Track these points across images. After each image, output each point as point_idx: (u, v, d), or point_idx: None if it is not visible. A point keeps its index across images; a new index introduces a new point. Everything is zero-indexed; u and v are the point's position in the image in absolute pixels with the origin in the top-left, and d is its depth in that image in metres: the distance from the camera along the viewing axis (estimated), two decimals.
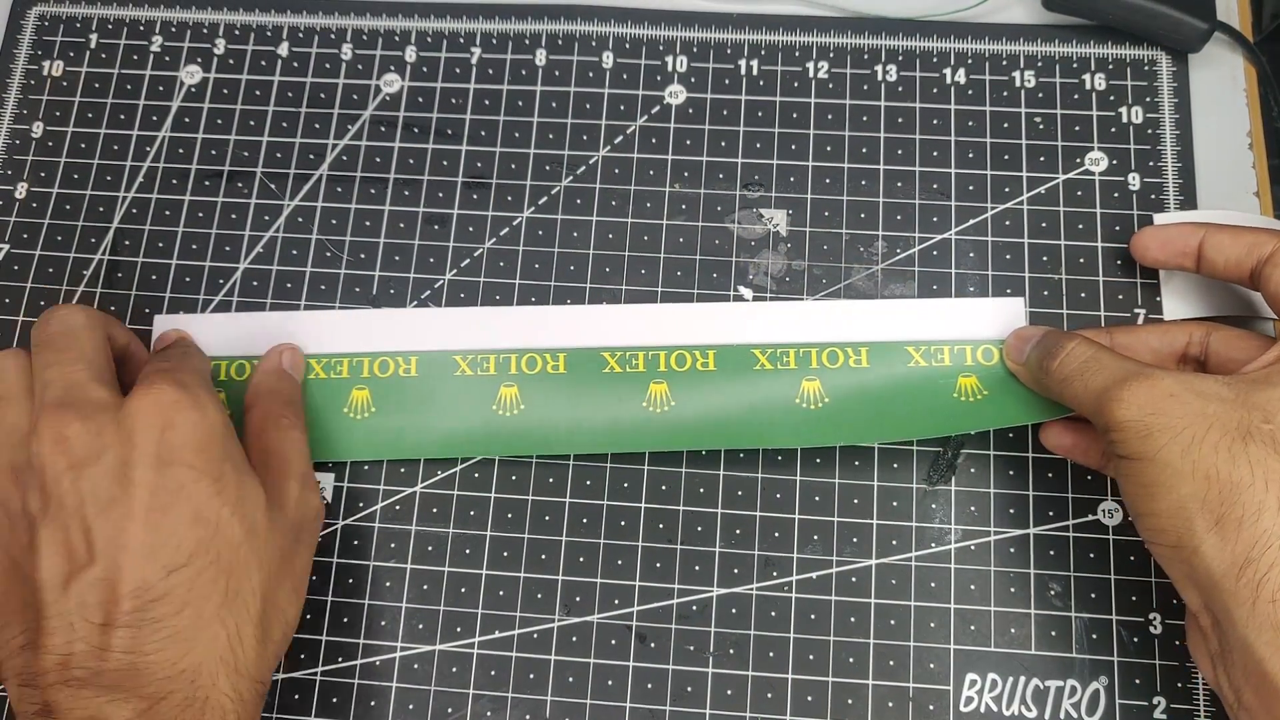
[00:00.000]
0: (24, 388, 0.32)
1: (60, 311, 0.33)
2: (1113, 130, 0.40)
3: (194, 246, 0.41)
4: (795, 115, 0.41)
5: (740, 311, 0.38)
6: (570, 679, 0.36)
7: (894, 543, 0.37)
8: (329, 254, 0.40)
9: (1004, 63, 0.41)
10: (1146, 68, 0.41)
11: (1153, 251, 0.36)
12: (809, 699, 0.35)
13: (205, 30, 0.44)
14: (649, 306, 0.39)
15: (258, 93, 0.43)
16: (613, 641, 0.36)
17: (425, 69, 0.43)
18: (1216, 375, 0.31)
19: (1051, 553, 0.36)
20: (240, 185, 0.42)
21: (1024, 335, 0.36)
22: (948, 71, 0.41)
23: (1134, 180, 0.40)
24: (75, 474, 0.29)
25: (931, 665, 0.35)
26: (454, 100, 0.42)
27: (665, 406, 0.37)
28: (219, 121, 0.42)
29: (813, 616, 0.36)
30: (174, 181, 0.42)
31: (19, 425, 0.31)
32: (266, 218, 0.41)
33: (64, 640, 0.28)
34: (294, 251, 0.40)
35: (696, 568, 0.37)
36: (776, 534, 0.37)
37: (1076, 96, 0.41)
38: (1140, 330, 0.36)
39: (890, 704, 0.35)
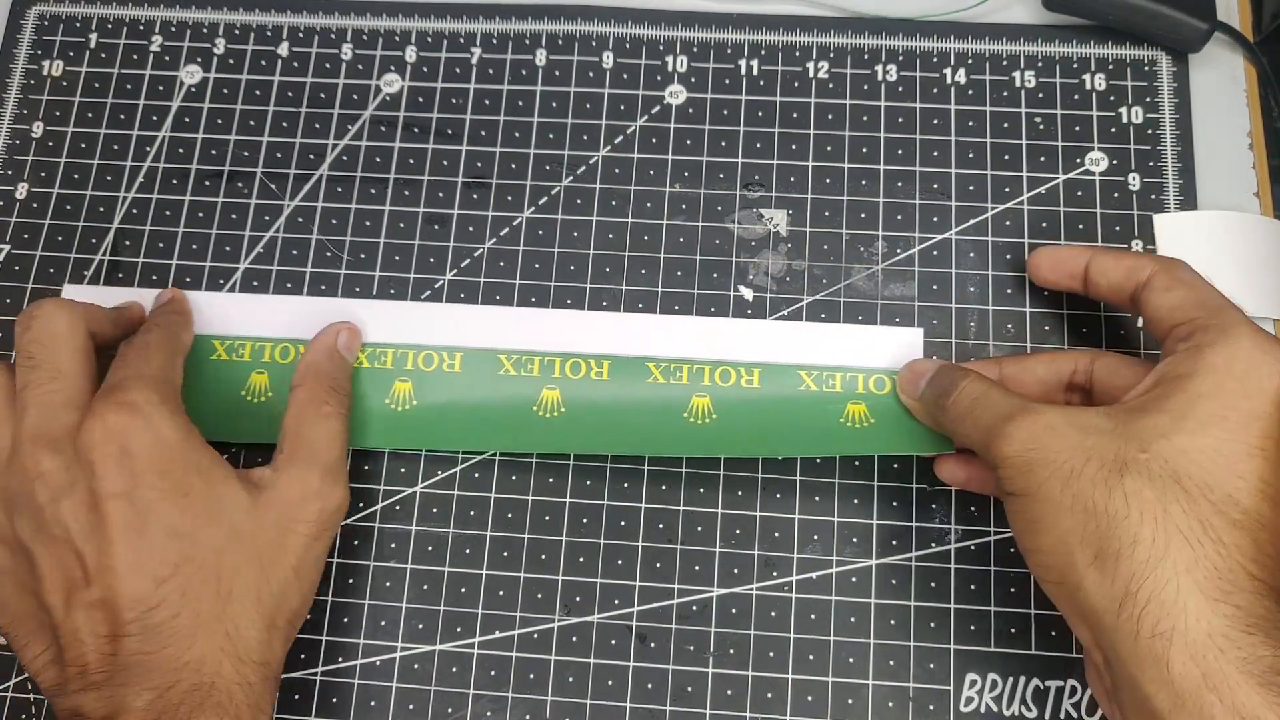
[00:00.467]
0: (8, 408, 0.33)
1: (41, 314, 0.33)
2: (1113, 130, 0.40)
3: (194, 246, 0.41)
4: (795, 115, 0.41)
5: (639, 325, 0.39)
6: (570, 679, 0.36)
7: (894, 543, 0.37)
8: (329, 254, 0.40)
9: (1004, 63, 0.41)
10: (1146, 68, 0.41)
11: (1044, 272, 0.37)
12: (809, 699, 0.35)
13: (205, 30, 0.44)
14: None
15: (258, 93, 0.43)
16: (613, 641, 0.36)
17: (425, 69, 0.43)
18: (1100, 407, 0.31)
19: None
20: (240, 185, 0.42)
21: (918, 370, 0.36)
22: (948, 71, 0.41)
23: (1134, 180, 0.40)
24: (55, 505, 0.30)
25: (931, 665, 0.35)
26: (454, 100, 0.42)
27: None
28: (219, 121, 0.42)
29: (813, 616, 0.36)
30: (174, 181, 0.42)
31: (3, 448, 0.32)
32: (266, 218, 0.41)
33: (79, 653, 0.30)
34: (294, 251, 0.40)
35: (696, 568, 0.37)
36: (776, 534, 0.37)
37: (1076, 96, 0.41)
38: (1028, 360, 0.36)
39: (890, 704, 0.35)
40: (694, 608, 0.36)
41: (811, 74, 0.42)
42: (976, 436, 0.32)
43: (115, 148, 0.42)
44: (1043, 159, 0.40)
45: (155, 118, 0.43)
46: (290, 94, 0.43)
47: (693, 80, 0.42)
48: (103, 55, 0.44)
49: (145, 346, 0.35)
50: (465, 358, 0.38)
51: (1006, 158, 0.40)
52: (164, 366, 0.34)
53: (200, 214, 0.41)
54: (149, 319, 0.38)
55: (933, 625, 0.36)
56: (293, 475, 0.33)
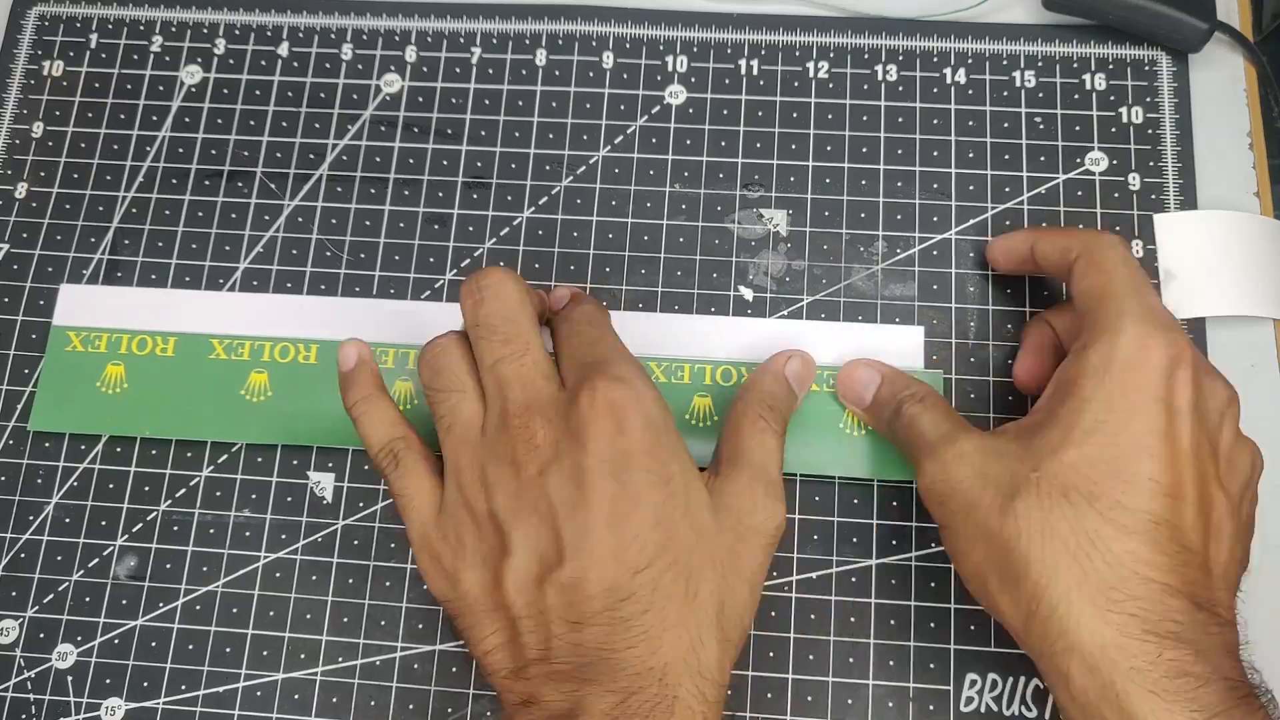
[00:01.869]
0: (475, 379, 0.32)
1: (493, 284, 0.32)
2: (1113, 130, 0.40)
3: (194, 246, 0.41)
4: (795, 115, 0.41)
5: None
6: None
7: (894, 543, 0.37)
8: (329, 254, 0.40)
9: (1004, 63, 0.41)
10: (1146, 68, 0.41)
11: (1000, 262, 0.38)
12: (809, 699, 0.35)
13: (205, 30, 0.44)
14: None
15: (258, 93, 0.43)
16: None
17: (425, 69, 0.43)
18: (1013, 425, 0.31)
19: None
20: (240, 185, 0.42)
21: (857, 378, 0.36)
22: (948, 71, 0.41)
23: (1134, 180, 0.40)
24: (542, 478, 0.29)
25: (931, 665, 0.35)
26: (454, 100, 0.42)
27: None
28: (219, 121, 0.42)
29: (813, 616, 0.36)
30: (174, 181, 0.42)
31: (474, 421, 0.31)
32: (266, 218, 0.41)
33: (543, 637, 0.28)
34: (294, 251, 0.40)
35: None
36: None
37: (1076, 96, 0.41)
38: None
39: (890, 704, 0.35)
40: None
41: (811, 74, 0.42)
42: (911, 464, 0.33)
43: (115, 148, 0.42)
44: (1043, 159, 0.40)
45: (155, 118, 0.43)
46: (290, 94, 0.43)
47: (693, 80, 0.42)
48: (103, 55, 0.44)
49: (593, 322, 0.33)
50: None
51: (1006, 157, 0.40)
52: (621, 344, 0.33)
53: (200, 214, 0.41)
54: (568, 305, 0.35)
55: (933, 625, 0.36)
56: (741, 484, 0.31)
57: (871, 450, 0.37)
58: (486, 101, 0.42)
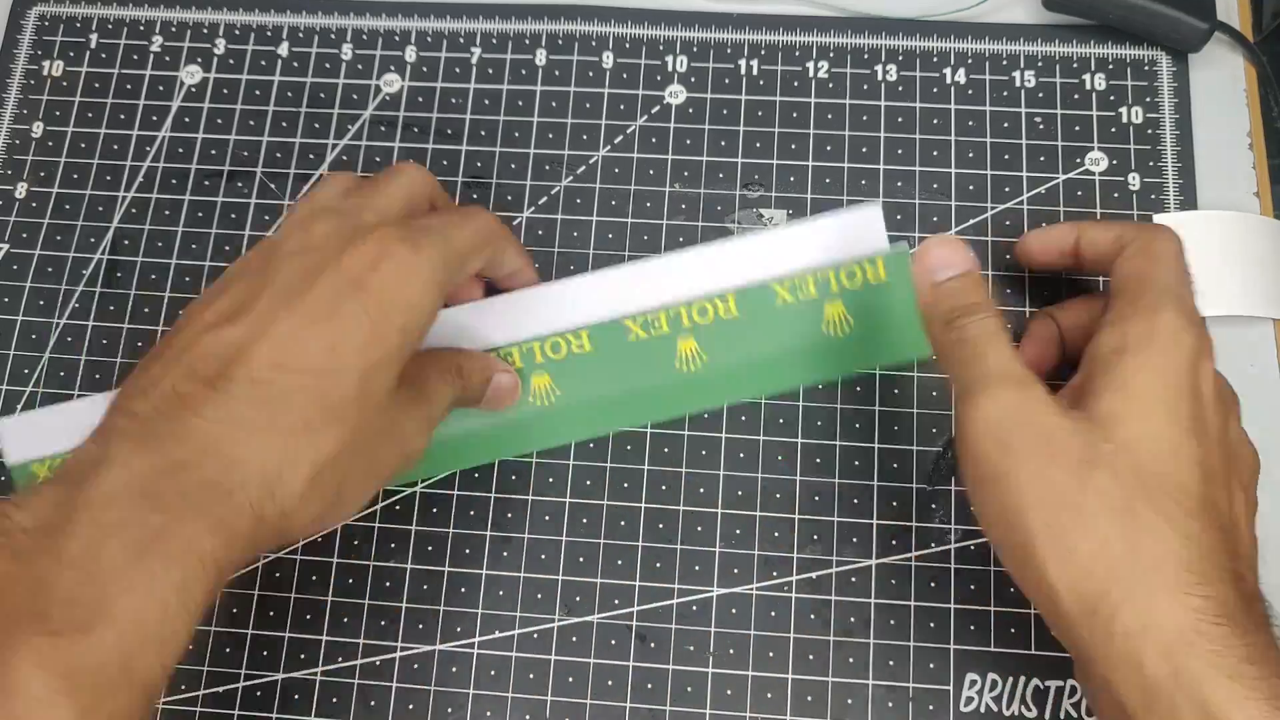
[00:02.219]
0: (338, 207, 0.32)
1: (404, 172, 0.33)
2: (1113, 130, 0.40)
3: (194, 246, 0.41)
4: (795, 115, 0.41)
5: (610, 279, 0.37)
6: (570, 679, 0.36)
7: (894, 543, 0.37)
8: None
9: (1004, 63, 0.41)
10: (1146, 68, 0.41)
11: (1036, 255, 0.37)
12: (809, 699, 0.35)
13: (205, 30, 0.44)
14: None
15: (258, 93, 0.43)
16: (613, 641, 0.36)
17: (425, 69, 0.43)
18: (1069, 389, 0.31)
19: None
20: (240, 185, 0.42)
21: (940, 258, 0.32)
22: (948, 71, 0.41)
23: (1134, 180, 0.40)
24: (287, 259, 0.30)
25: (931, 665, 0.35)
26: (454, 100, 0.42)
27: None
28: (219, 121, 0.42)
29: (813, 616, 0.36)
30: (174, 181, 0.42)
31: (321, 202, 0.32)
32: (266, 218, 0.41)
33: (181, 376, 0.28)
34: None
35: (696, 568, 0.37)
36: (776, 534, 0.37)
37: (1076, 96, 0.41)
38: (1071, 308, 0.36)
39: (890, 704, 0.35)
40: (694, 608, 0.36)
41: (811, 74, 0.42)
42: (955, 383, 0.30)
43: (115, 148, 0.42)
44: (1043, 159, 0.40)
45: (155, 118, 0.43)
46: (290, 94, 0.43)
47: (693, 80, 0.42)
48: (103, 55, 0.44)
49: (465, 221, 0.33)
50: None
51: (1006, 157, 0.40)
52: (477, 242, 0.33)
53: (200, 214, 0.41)
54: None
55: (932, 625, 0.36)
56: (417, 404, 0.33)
57: (858, 345, 0.36)
58: (486, 101, 0.42)
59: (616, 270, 0.37)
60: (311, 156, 0.42)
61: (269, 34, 0.43)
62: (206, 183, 0.42)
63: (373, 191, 0.32)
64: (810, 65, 0.42)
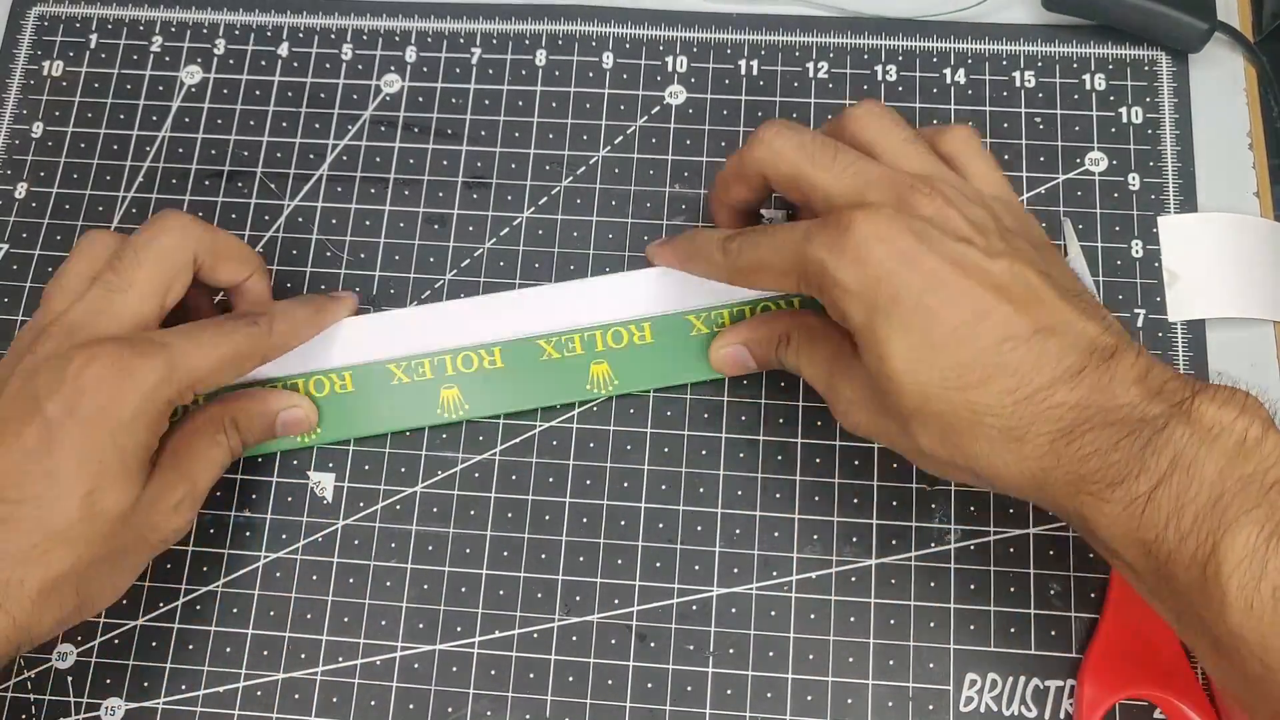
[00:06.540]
0: (91, 278, 0.33)
1: (162, 224, 0.34)
2: (1113, 130, 0.40)
3: None
4: (795, 115, 0.41)
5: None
6: (570, 679, 0.36)
7: (894, 543, 0.37)
8: (329, 254, 0.40)
9: (1004, 63, 0.41)
10: (1146, 68, 0.41)
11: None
12: (809, 699, 0.35)
13: (205, 30, 0.44)
14: (561, 286, 0.38)
15: (258, 93, 0.43)
16: (613, 641, 0.36)
17: (425, 69, 0.43)
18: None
19: (1051, 553, 0.36)
20: (240, 185, 0.42)
21: (730, 360, 0.36)
22: (948, 71, 0.41)
23: (1134, 180, 0.40)
24: (9, 386, 0.31)
25: (931, 665, 0.35)
26: (454, 100, 0.42)
27: (610, 385, 0.37)
28: (219, 121, 0.42)
29: (813, 616, 0.36)
30: (174, 181, 0.42)
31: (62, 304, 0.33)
32: (266, 218, 0.41)
33: None
34: (294, 251, 0.40)
35: (696, 568, 0.37)
36: (776, 534, 0.37)
37: (1076, 96, 0.41)
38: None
39: (890, 704, 0.35)
40: (694, 607, 0.36)
41: (811, 74, 0.42)
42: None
43: (115, 148, 0.42)
44: (1043, 159, 0.40)
45: (155, 118, 0.43)
46: (290, 94, 0.43)
47: (693, 80, 0.42)
48: (103, 55, 0.44)
49: (221, 337, 0.33)
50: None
51: (1006, 158, 0.40)
52: (218, 366, 0.33)
53: (200, 214, 0.41)
54: (286, 305, 0.36)
55: (932, 625, 0.36)
56: (157, 484, 0.33)
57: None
58: (486, 102, 0.42)
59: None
60: (311, 156, 0.42)
61: (269, 34, 0.44)
62: (206, 183, 0.42)
63: (122, 268, 0.33)
64: (810, 66, 0.42)
